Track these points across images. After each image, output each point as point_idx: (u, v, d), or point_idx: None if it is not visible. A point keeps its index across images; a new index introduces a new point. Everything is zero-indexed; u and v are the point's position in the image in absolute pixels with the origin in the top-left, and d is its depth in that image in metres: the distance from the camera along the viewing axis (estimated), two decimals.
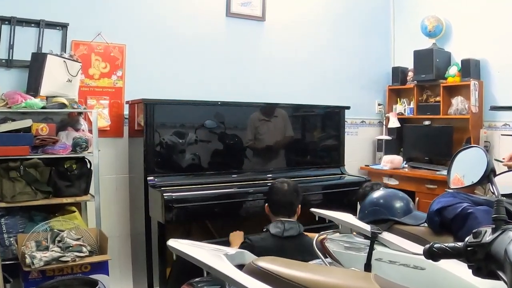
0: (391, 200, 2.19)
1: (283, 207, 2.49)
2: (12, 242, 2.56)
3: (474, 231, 1.01)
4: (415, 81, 4.18)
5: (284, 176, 3.27)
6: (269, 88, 3.83)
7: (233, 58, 3.74)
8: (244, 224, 3.21)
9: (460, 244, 1.02)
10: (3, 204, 2.55)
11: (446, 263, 1.56)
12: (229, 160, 3.23)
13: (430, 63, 3.95)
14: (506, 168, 2.39)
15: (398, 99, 4.45)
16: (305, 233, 2.46)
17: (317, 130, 3.71)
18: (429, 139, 4.10)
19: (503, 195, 1.30)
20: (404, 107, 4.37)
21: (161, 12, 3.43)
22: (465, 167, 1.78)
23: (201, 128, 3.11)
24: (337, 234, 2.30)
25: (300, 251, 2.29)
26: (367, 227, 2.10)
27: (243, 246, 2.27)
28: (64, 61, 2.78)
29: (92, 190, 2.84)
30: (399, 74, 4.39)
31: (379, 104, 4.56)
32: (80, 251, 2.49)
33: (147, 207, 2.88)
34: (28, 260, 2.34)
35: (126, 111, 3.27)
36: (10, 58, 2.87)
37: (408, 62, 4.28)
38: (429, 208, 2.03)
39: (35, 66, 2.73)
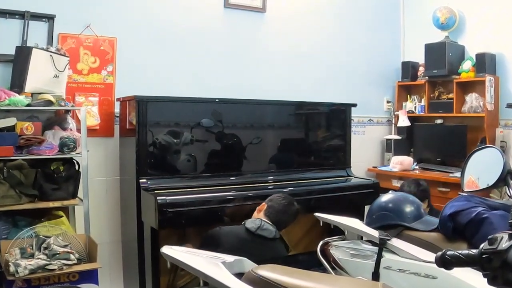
0: (401, 204, 2.19)
1: (277, 217, 2.65)
2: None
3: (489, 237, 1.01)
4: (427, 77, 4.19)
5: (286, 179, 3.30)
6: (270, 84, 3.83)
7: (232, 52, 3.74)
8: None
9: (474, 251, 1.02)
10: None
11: (460, 272, 1.56)
12: (227, 161, 3.23)
13: (442, 58, 3.95)
14: None
15: (408, 96, 4.46)
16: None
17: (321, 129, 3.71)
18: (441, 139, 4.10)
19: None
20: (414, 105, 4.37)
21: (154, 3, 3.43)
22: (480, 169, 1.78)
23: (197, 127, 3.11)
24: (343, 240, 2.31)
25: (267, 254, 2.49)
26: (375, 233, 2.11)
27: (210, 232, 2.60)
28: (51, 55, 2.78)
29: (80, 193, 2.84)
30: (409, 69, 4.39)
31: (387, 102, 4.56)
32: (68, 259, 2.49)
33: (139, 211, 2.87)
34: (12, 269, 2.34)
35: (117, 109, 3.27)
36: None
37: (419, 57, 4.29)
38: (441, 212, 2.03)
39: (20, 60, 2.73)
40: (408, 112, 4.35)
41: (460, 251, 1.04)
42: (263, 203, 2.73)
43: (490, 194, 3.09)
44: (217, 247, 2.43)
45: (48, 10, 3.03)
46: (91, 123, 3.12)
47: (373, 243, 2.13)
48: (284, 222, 2.69)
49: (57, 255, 2.47)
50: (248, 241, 2.52)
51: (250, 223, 2.59)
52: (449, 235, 1.96)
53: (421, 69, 4.31)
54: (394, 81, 4.55)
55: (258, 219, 2.61)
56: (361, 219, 2.36)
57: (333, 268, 2.22)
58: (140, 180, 2.86)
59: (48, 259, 2.44)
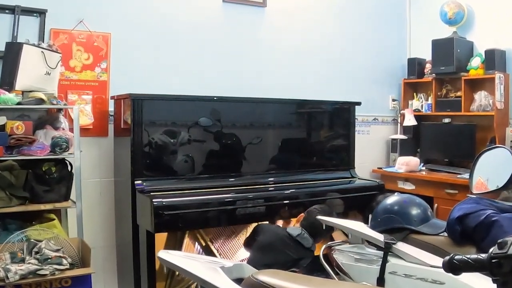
0: (407, 207, 2.19)
1: (310, 229, 2.79)
2: None
3: (499, 241, 1.01)
4: (434, 74, 4.19)
5: (288, 180, 3.30)
6: (271, 82, 3.83)
7: (231, 48, 3.74)
8: (243, 234, 3.21)
9: (483, 255, 1.02)
10: None
11: (468, 277, 1.56)
12: (226, 162, 3.23)
13: (450, 54, 3.95)
14: None
15: (415, 94, 4.46)
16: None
17: (324, 129, 3.71)
18: (449, 139, 4.10)
19: None
20: (421, 103, 4.37)
21: None
22: (489, 170, 1.78)
23: (194, 126, 3.10)
24: (347, 244, 2.31)
25: (297, 262, 2.69)
26: (380, 237, 2.11)
27: (254, 228, 2.93)
28: (42, 51, 2.78)
29: (73, 195, 2.84)
30: (415, 66, 4.39)
31: (393, 100, 4.56)
32: (60, 264, 2.49)
33: (134, 214, 2.87)
34: (1, 274, 2.33)
35: (111, 108, 3.27)
36: None
37: (425, 53, 4.29)
38: (449, 215, 2.04)
39: (10, 57, 2.72)
40: (414, 110, 4.35)
41: (468, 256, 1.04)
42: (303, 213, 2.91)
43: (500, 196, 3.09)
44: (257, 236, 2.82)
45: (39, 4, 3.03)
46: (84, 122, 3.12)
47: (378, 247, 2.13)
48: (317, 235, 2.80)
49: (49, 260, 2.47)
50: (286, 242, 2.72)
51: (291, 229, 2.81)
52: (457, 239, 1.96)
53: (428, 66, 4.31)
54: (400, 78, 4.55)
55: (299, 228, 2.80)
56: (366, 222, 2.36)
57: (336, 273, 2.22)
58: (136, 182, 2.85)
59: (40, 264, 2.44)
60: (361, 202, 3.36)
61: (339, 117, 3.74)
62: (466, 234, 1.93)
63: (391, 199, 2.28)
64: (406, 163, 4.05)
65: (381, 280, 2.00)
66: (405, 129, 4.43)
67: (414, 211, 2.16)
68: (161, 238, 2.91)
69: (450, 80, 4.16)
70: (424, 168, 4.14)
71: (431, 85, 4.24)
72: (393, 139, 4.44)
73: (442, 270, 1.10)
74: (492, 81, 3.76)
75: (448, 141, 4.11)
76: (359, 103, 3.74)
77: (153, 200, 2.65)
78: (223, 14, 3.73)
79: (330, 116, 3.74)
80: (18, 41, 2.88)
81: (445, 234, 2.04)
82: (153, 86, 3.28)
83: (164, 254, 1.55)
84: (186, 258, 1.53)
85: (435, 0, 4.25)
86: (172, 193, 2.85)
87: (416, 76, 4.39)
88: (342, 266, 2.19)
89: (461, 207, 2.01)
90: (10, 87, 2.67)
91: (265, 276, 1.27)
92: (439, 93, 4.23)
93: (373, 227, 2.21)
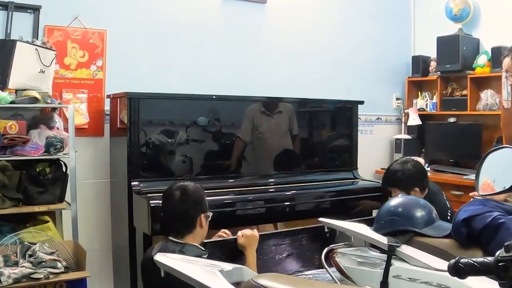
0: (411, 209, 2.19)
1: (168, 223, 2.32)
2: None
3: (506, 244, 1.01)
4: (439, 72, 4.19)
5: (288, 181, 3.29)
6: (271, 80, 3.83)
7: (230, 46, 3.74)
8: None
9: (490, 258, 1.02)
10: None
11: (474, 281, 1.56)
12: (226, 162, 3.22)
13: (455, 52, 3.95)
14: None
15: (419, 92, 4.46)
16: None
17: (326, 129, 3.71)
18: (454, 139, 4.10)
19: None
20: (426, 102, 4.37)
21: None
22: (496, 171, 1.78)
23: (193, 126, 3.10)
24: (349, 247, 2.30)
25: None
26: (383, 240, 2.10)
27: None
28: (36, 49, 2.78)
29: (68, 197, 2.84)
30: (420, 64, 4.39)
31: (397, 99, 4.56)
32: (55, 267, 2.49)
33: (131, 216, 2.87)
34: None
35: (107, 107, 3.27)
36: None
37: (430, 50, 4.29)
38: (454, 217, 2.03)
39: (3, 54, 2.72)
40: (419, 110, 4.35)
41: (474, 259, 1.04)
42: None
43: (507, 198, 3.09)
44: None
45: (33, 0, 3.03)
46: (80, 122, 3.12)
47: (381, 250, 2.12)
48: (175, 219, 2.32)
49: (43, 263, 2.47)
50: None
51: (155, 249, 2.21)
52: (463, 242, 1.95)
53: (433, 64, 4.31)
54: (404, 76, 4.55)
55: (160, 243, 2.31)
56: (369, 224, 2.36)
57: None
58: (132, 183, 2.85)
59: (34, 267, 2.44)
60: (364, 203, 3.35)
61: (342, 116, 3.74)
62: (472, 236, 1.93)
63: (395, 201, 2.28)
64: None
65: (384, 284, 2.00)
66: (409, 129, 4.43)
67: (419, 213, 2.16)
68: (158, 240, 2.90)
69: (456, 78, 4.16)
70: (429, 168, 4.13)
71: (436, 83, 4.25)
72: (397, 139, 4.44)
73: (447, 274, 1.10)
74: (499, 79, 3.75)
75: (453, 141, 4.11)
76: (362, 102, 3.74)
77: (150, 201, 2.64)
78: (223, 11, 3.73)
79: (332, 115, 3.74)
80: (11, 38, 2.88)
81: (451, 236, 2.03)
82: (150, 84, 3.28)
83: (161, 257, 1.55)
84: (184, 261, 1.53)
85: None
86: None
87: (421, 74, 4.39)
88: (345, 269, 2.19)
89: (467, 208, 2.01)
90: (3, 85, 2.67)
91: (265, 280, 1.27)
92: (444, 92, 4.23)
93: (376, 230, 2.20)
